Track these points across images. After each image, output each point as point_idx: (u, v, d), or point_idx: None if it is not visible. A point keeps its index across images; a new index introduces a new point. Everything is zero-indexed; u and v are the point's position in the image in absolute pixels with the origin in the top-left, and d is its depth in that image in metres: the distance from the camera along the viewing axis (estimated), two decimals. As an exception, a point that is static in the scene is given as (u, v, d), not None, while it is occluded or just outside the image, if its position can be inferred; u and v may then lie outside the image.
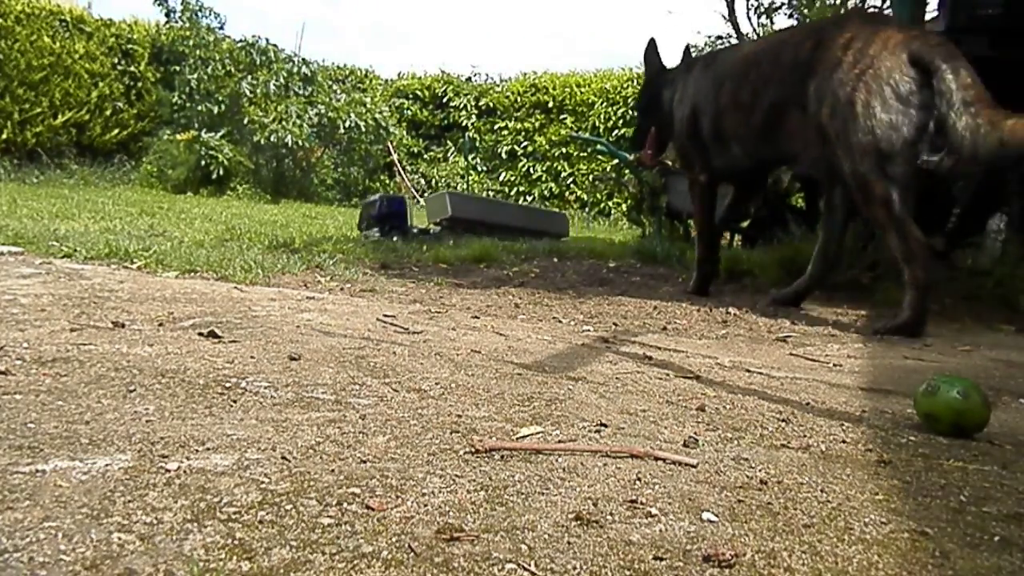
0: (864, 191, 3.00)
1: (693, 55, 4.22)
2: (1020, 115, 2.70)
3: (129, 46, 12.49)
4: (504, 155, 14.24)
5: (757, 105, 3.30)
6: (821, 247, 3.53)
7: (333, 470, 1.17)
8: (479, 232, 6.83)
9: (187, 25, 12.51)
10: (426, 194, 12.62)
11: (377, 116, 13.20)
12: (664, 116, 4.01)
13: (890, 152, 2.88)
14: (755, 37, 9.05)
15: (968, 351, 2.90)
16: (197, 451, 1.21)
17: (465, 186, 13.75)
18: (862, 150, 2.92)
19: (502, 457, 1.29)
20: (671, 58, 4.35)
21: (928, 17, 4.48)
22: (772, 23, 9.45)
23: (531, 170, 13.95)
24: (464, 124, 14.78)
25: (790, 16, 8.90)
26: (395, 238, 6.45)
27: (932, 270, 3.02)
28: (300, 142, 11.91)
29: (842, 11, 8.11)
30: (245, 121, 12.06)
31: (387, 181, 14.09)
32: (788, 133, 3.24)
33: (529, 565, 0.91)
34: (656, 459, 1.33)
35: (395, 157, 13.84)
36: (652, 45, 4.21)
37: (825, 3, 7.73)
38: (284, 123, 11.78)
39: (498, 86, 15.11)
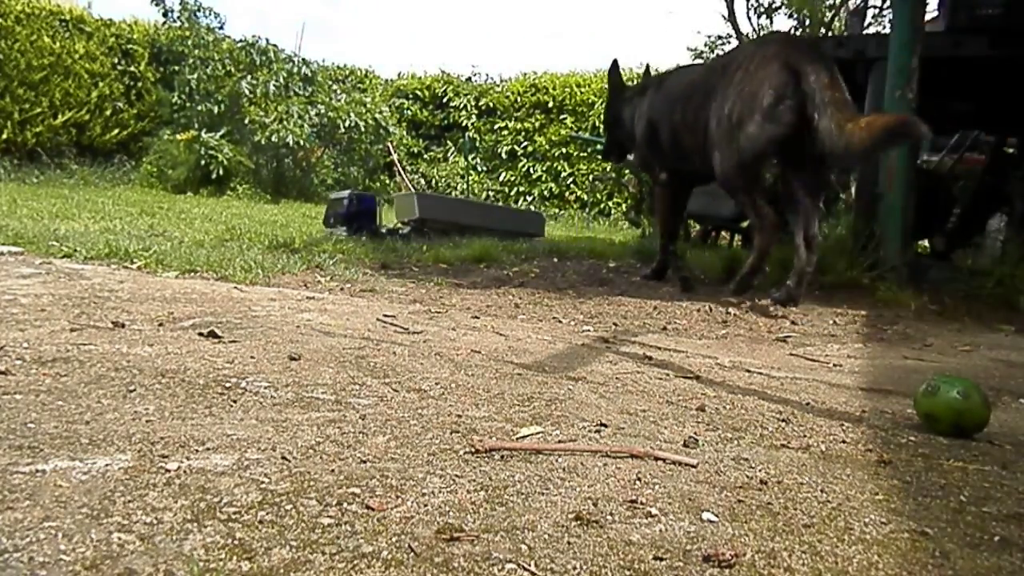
0: (730, 186, 3.65)
1: (651, 74, 4.76)
2: (859, 118, 3.13)
3: (129, 46, 12.48)
4: (504, 155, 14.23)
5: (698, 126, 3.80)
6: (797, 240, 3.70)
7: (333, 470, 1.17)
8: (449, 232, 6.65)
9: (186, 25, 12.50)
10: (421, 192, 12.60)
11: (377, 116, 13.18)
12: (625, 131, 4.55)
13: (750, 159, 3.47)
14: (755, 37, 9.05)
15: (968, 351, 2.90)
16: (197, 451, 1.21)
17: (465, 186, 13.74)
18: (730, 156, 3.52)
19: (502, 457, 1.29)
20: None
21: (928, 17, 4.47)
22: (772, 23, 9.46)
23: (531, 170, 13.94)
24: (464, 124, 14.77)
25: (790, 16, 8.91)
26: (363, 237, 6.17)
27: (773, 240, 3.63)
28: (300, 142, 11.90)
29: (841, 11, 8.11)
30: (245, 121, 12.06)
31: (387, 181, 14.09)
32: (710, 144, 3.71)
33: (529, 565, 0.91)
34: (656, 459, 1.33)
35: (395, 157, 13.84)
36: (615, 66, 4.74)
37: (824, 2, 7.74)
38: (284, 123, 11.77)
39: (498, 86, 15.10)
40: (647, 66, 4.93)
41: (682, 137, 3.97)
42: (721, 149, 3.55)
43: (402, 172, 13.74)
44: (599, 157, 12.57)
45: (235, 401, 1.52)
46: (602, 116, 5.48)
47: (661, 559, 0.94)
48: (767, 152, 3.45)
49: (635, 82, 4.79)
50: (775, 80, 3.34)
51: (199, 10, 12.54)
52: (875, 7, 7.91)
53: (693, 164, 4.06)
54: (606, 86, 4.95)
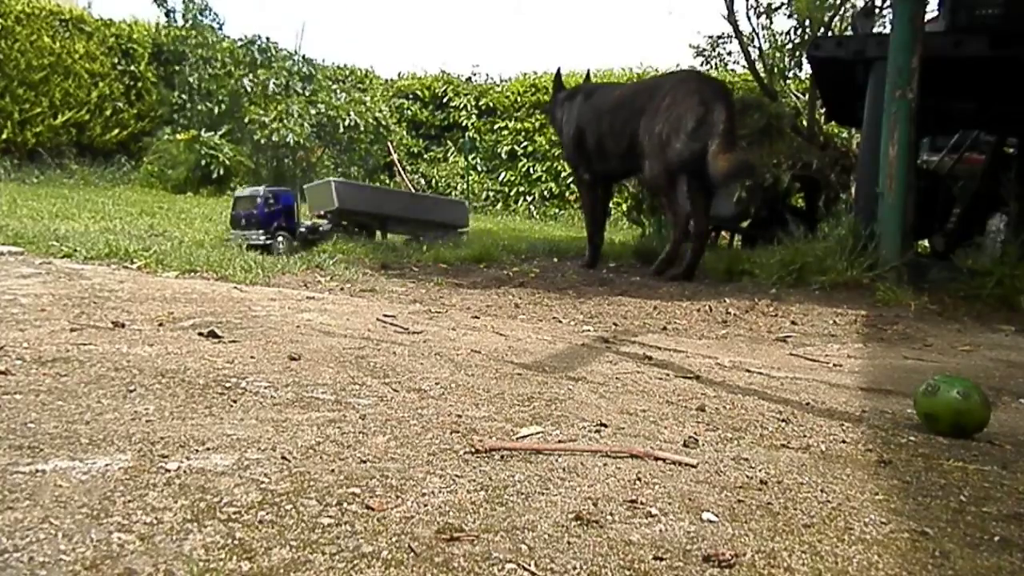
0: (655, 188, 4.65)
1: (590, 79, 5.86)
2: (729, 152, 4.07)
3: (129, 46, 12.48)
4: (504, 155, 14.23)
5: (623, 134, 4.66)
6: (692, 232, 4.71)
7: (333, 470, 1.17)
8: (371, 224, 6.30)
9: (188, 25, 12.50)
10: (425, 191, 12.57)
11: (377, 115, 13.18)
12: (557, 124, 5.35)
13: (675, 168, 4.32)
14: (755, 37, 9.07)
15: (968, 351, 2.90)
16: (197, 451, 1.21)
17: (465, 186, 13.74)
18: (659, 163, 4.36)
19: (502, 457, 1.29)
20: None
21: (928, 17, 4.47)
22: (772, 23, 9.44)
23: (531, 170, 13.94)
24: (464, 124, 14.76)
25: (789, 16, 8.89)
26: (281, 241, 5.40)
27: (685, 233, 4.49)
28: (301, 141, 11.89)
29: (841, 10, 8.12)
30: (246, 120, 12.05)
31: (387, 181, 14.10)
32: (639, 149, 4.54)
33: (529, 565, 0.91)
34: (656, 459, 1.33)
35: (395, 157, 13.84)
36: (558, 74, 5.62)
37: (824, 2, 7.73)
38: (285, 122, 11.76)
39: (498, 86, 15.09)
40: (588, 72, 6.13)
41: (606, 143, 4.81)
42: (652, 161, 4.40)
43: (402, 172, 13.75)
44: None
45: (235, 401, 1.52)
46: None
47: (661, 559, 0.94)
48: (686, 163, 4.26)
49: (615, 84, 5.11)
50: (696, 111, 4.24)
51: (203, 11, 12.53)
52: (876, 7, 7.90)
53: (610, 165, 4.96)
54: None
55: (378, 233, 6.53)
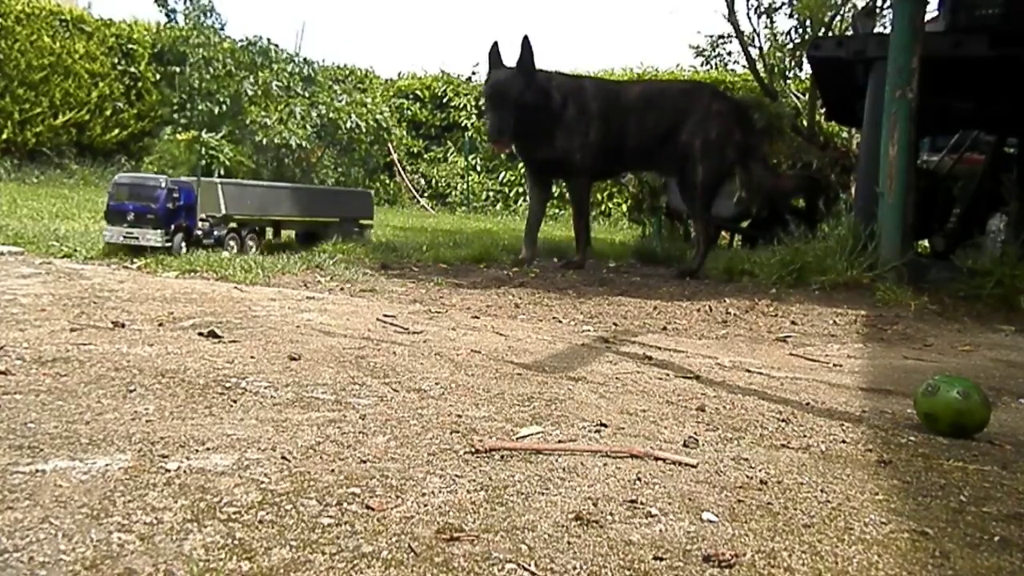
0: (697, 191, 4.61)
1: (567, 72, 5.30)
2: (779, 173, 4.59)
3: (129, 46, 12.49)
4: (504, 155, 14.22)
5: (655, 134, 4.68)
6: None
7: (333, 470, 1.17)
8: (262, 228, 5.45)
9: (190, 26, 12.49)
10: (424, 194, 12.57)
11: (378, 116, 13.17)
12: (550, 115, 4.75)
13: (723, 176, 4.66)
14: (755, 37, 9.08)
15: (968, 351, 2.90)
16: (197, 451, 1.21)
17: (465, 186, 13.74)
18: (708, 170, 4.56)
19: (502, 457, 1.29)
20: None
21: (928, 17, 4.47)
22: (772, 23, 9.46)
23: (531, 170, 13.92)
24: (464, 124, 14.76)
25: (790, 16, 8.90)
26: (183, 244, 4.52)
27: (711, 244, 4.86)
28: (303, 144, 11.88)
29: (841, 11, 8.13)
30: (247, 121, 12.05)
31: (387, 181, 14.10)
32: (673, 148, 4.63)
33: (529, 565, 0.91)
34: (656, 459, 1.33)
35: (395, 157, 13.84)
36: (527, 42, 4.81)
37: (828, 1, 7.74)
38: (287, 124, 11.76)
39: (499, 86, 15.08)
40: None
41: (628, 141, 4.71)
42: (703, 166, 4.55)
43: (402, 172, 13.75)
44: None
45: (235, 401, 1.52)
46: (507, 95, 5.03)
47: (661, 559, 0.94)
48: (731, 172, 4.66)
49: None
50: (740, 127, 4.63)
51: (205, 12, 12.52)
52: (876, 7, 7.91)
53: (624, 162, 5.07)
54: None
55: (269, 232, 5.73)
